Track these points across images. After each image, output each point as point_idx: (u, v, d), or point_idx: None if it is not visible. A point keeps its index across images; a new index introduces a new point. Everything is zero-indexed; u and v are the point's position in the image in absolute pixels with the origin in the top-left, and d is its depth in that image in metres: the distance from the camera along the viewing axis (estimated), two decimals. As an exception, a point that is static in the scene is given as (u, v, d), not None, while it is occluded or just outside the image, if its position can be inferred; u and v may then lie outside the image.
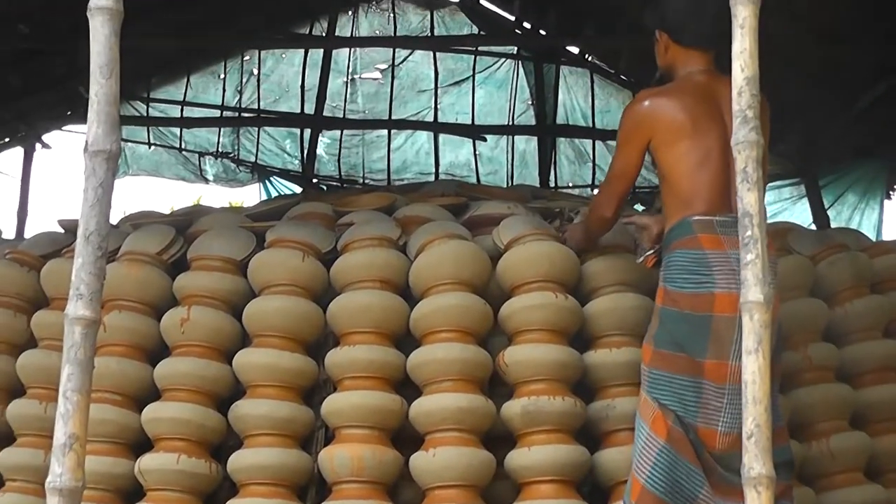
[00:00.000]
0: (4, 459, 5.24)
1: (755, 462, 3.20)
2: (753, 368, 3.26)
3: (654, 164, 4.70)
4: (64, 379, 3.23)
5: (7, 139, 10.62)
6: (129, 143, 11.74)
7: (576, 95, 11.84)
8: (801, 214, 10.92)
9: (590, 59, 11.66)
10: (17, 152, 10.78)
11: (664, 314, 4.44)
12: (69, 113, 10.63)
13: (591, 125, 11.71)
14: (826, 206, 10.84)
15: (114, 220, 4.79)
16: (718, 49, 4.74)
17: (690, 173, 4.55)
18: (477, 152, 12.21)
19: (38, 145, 10.76)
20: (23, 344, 5.51)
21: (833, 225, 10.20)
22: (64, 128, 11.01)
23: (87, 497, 3.65)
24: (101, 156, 3.36)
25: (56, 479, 3.16)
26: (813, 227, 9.85)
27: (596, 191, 11.74)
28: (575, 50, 11.66)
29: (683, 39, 4.77)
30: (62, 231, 6.10)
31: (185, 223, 5.91)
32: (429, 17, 11.72)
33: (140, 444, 5.16)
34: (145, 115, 11.79)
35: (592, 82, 11.68)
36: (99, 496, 4.92)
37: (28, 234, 8.95)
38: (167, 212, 7.08)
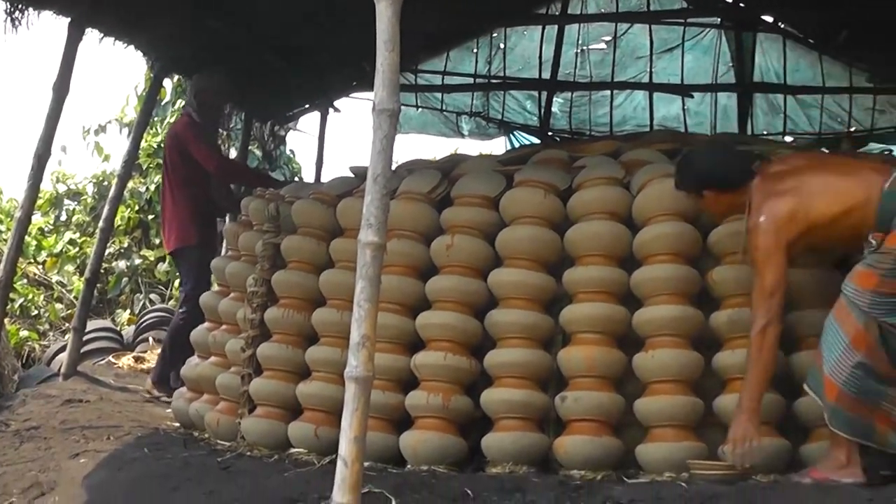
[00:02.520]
0: (311, 355, 5.42)
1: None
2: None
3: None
4: (358, 291, 3.32)
5: (307, 105, 10.88)
6: (401, 107, 11.85)
7: (770, 58, 11.52)
8: None
9: (782, 26, 11.31)
10: (315, 116, 11.06)
11: None
12: (354, 83, 10.80)
13: (783, 82, 11.41)
14: None
15: (392, 166, 4.86)
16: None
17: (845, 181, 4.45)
18: (685, 107, 12.03)
19: (330, 110, 11.01)
20: (323, 265, 5.67)
21: None
22: (350, 95, 11.20)
23: (375, 385, 3.74)
24: (386, 113, 3.44)
25: (352, 370, 3.26)
26: None
27: (787, 138, 11.48)
28: (770, 19, 11.32)
29: (732, 185, 4.72)
30: (352, 175, 6.23)
31: (449, 168, 5.96)
32: (645, -5, 11.58)
33: (415, 344, 5.28)
34: (414, 83, 11.92)
35: (785, 46, 11.33)
36: (384, 385, 5.07)
37: (324, 179, 9.17)
38: (433, 160, 7.14)
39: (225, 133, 10.04)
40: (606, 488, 4.21)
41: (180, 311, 7.71)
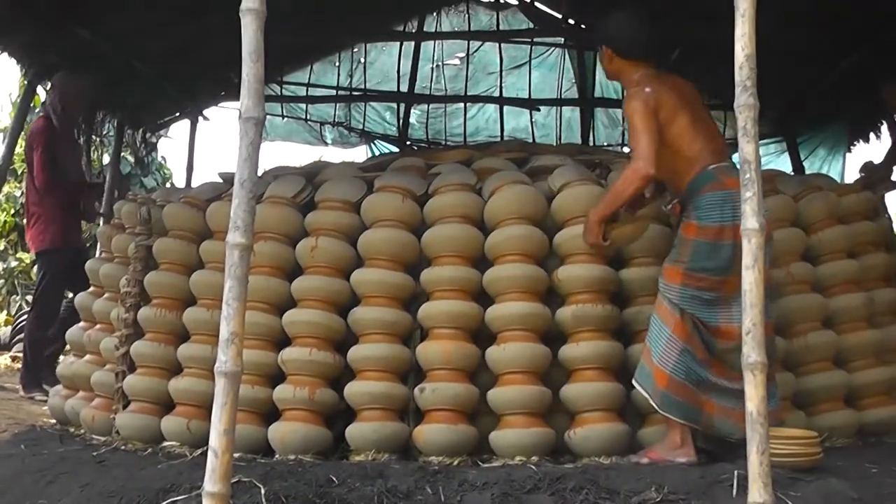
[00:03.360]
0: (182, 352, 5.31)
1: (752, 352, 3.19)
2: (750, 280, 3.25)
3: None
4: (226, 290, 3.26)
5: (178, 114, 10.69)
6: (268, 116, 11.74)
7: (609, 75, 11.76)
8: (783, 165, 10.77)
9: (620, 46, 11.55)
10: (185, 124, 10.85)
11: (697, 245, 4.43)
12: (223, 93, 10.66)
13: (621, 97, 11.65)
14: (802, 159, 10.71)
15: (259, 172, 4.79)
16: (654, 60, 4.81)
17: (700, 134, 4.53)
18: (533, 120, 12.17)
19: (200, 118, 10.82)
20: (193, 266, 5.55)
21: (807, 172, 10.08)
22: (219, 105, 11.05)
23: (244, 380, 3.68)
24: (251, 121, 3.39)
25: (222, 365, 3.20)
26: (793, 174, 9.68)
27: (626, 149, 11.71)
28: (609, 40, 11.56)
29: (623, 52, 4.83)
30: (221, 181, 6.14)
31: (313, 174, 5.92)
32: (495, 16, 11.65)
33: (282, 340, 5.21)
34: (280, 94, 11.82)
35: (622, 64, 11.61)
36: (252, 379, 4.99)
37: (194, 184, 9.02)
38: (298, 166, 7.08)
39: (98, 139, 9.77)
40: (462, 473, 4.22)
41: (31, 312, 7.51)
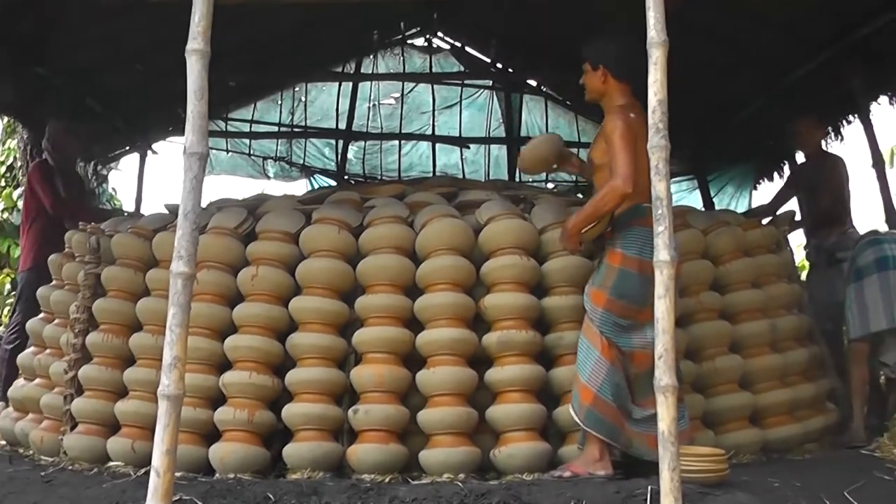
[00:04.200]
0: (128, 376, 5.24)
1: (664, 375, 3.23)
2: (662, 308, 3.30)
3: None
4: (170, 317, 3.24)
5: (128, 147, 10.59)
6: (213, 151, 11.64)
7: (534, 115, 11.83)
8: (694, 201, 10.94)
9: (544, 89, 11.67)
10: (135, 157, 10.75)
11: (622, 273, 4.49)
12: (170, 128, 10.58)
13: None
14: (712, 196, 10.88)
15: (203, 203, 4.71)
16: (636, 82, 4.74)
17: (644, 172, 4.55)
18: (463, 157, 12.21)
19: (149, 152, 10.71)
20: (140, 293, 5.50)
21: (717, 208, 10.24)
22: (167, 139, 10.96)
23: (186, 402, 3.65)
24: (195, 156, 3.38)
25: (164, 388, 3.18)
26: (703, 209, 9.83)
27: (550, 185, 11.81)
28: (534, 83, 11.68)
29: (621, 75, 4.74)
30: (167, 212, 6.09)
31: (254, 206, 5.89)
32: (428, 59, 11.72)
33: (223, 364, 5.17)
34: (224, 130, 11.75)
35: (546, 106, 11.70)
36: (194, 402, 4.94)
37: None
38: (241, 198, 7.03)
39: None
40: (393, 490, 4.22)
41: (9, 332, 7.40)
